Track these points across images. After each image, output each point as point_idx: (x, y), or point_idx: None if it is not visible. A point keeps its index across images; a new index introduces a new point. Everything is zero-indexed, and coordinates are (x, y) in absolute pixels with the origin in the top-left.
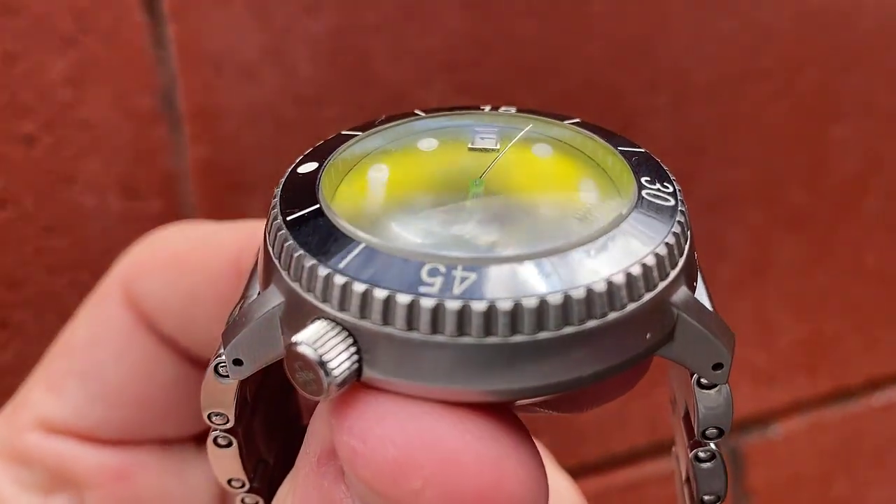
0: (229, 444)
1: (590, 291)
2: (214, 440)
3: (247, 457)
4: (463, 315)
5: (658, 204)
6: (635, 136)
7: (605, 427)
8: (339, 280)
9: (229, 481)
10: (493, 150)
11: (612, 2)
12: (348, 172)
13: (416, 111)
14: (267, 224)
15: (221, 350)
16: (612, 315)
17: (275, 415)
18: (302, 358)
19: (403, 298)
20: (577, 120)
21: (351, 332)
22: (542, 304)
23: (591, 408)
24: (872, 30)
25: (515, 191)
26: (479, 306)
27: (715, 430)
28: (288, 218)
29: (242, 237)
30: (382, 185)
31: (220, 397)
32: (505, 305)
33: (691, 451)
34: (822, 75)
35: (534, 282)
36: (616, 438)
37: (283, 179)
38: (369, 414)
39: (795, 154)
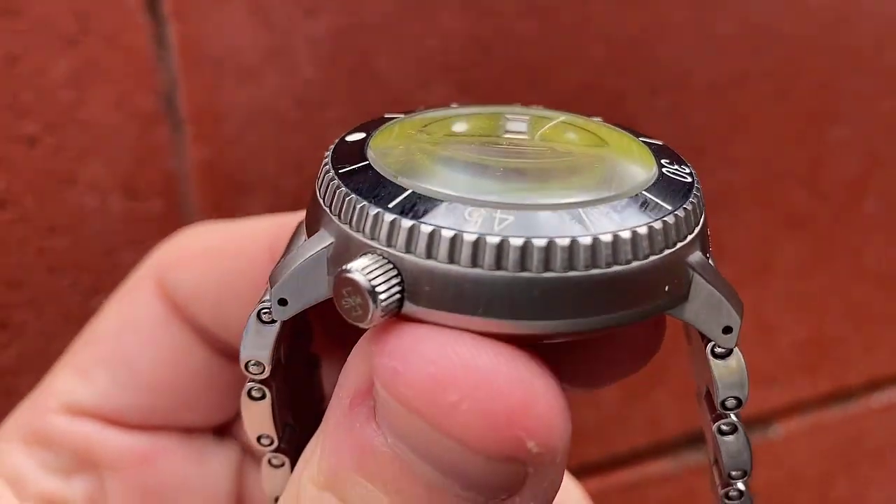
0: (263, 397)
1: (616, 238)
2: (249, 393)
3: (277, 415)
4: (501, 249)
5: (677, 179)
6: None
7: (606, 427)
8: (388, 217)
9: (259, 439)
10: (523, 133)
11: (611, 3)
12: (394, 138)
13: (452, 104)
14: (318, 178)
15: (266, 296)
16: (635, 263)
17: (301, 393)
18: (352, 283)
19: (447, 233)
20: (599, 118)
21: (396, 265)
22: (574, 244)
23: (608, 382)
24: (871, 31)
25: (550, 152)
26: (516, 242)
27: (734, 400)
28: (340, 170)
29: (275, 226)
30: (426, 147)
31: (260, 343)
32: (539, 243)
33: (714, 424)
34: (821, 77)
35: (566, 227)
36: (617, 439)
37: (333, 146)
38: (409, 338)
39: (795, 155)
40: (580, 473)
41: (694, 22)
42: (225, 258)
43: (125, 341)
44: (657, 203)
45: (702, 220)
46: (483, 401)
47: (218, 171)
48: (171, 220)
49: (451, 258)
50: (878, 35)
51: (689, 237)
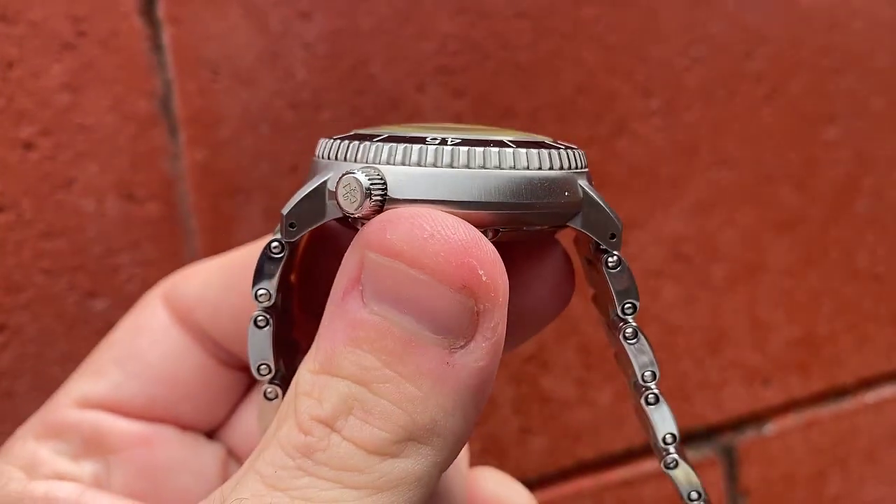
0: (266, 324)
1: (530, 152)
2: (255, 322)
3: (275, 346)
4: (453, 154)
5: (568, 145)
6: (628, 138)
7: (602, 427)
8: (374, 144)
9: (258, 368)
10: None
11: (603, 6)
12: (368, 132)
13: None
14: (316, 153)
15: (276, 233)
16: (543, 171)
17: (295, 352)
18: (352, 180)
19: (416, 146)
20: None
21: (381, 172)
22: (502, 152)
23: (529, 330)
24: (862, 31)
25: (486, 128)
26: (463, 148)
27: (630, 306)
28: (332, 138)
29: None
30: (394, 128)
31: (267, 272)
32: (479, 149)
33: (620, 333)
34: (813, 77)
35: (497, 146)
36: (612, 438)
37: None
38: (390, 212)
39: (787, 155)
40: (576, 472)
41: (685, 24)
42: (224, 273)
43: (134, 342)
44: (558, 145)
45: (587, 173)
46: (448, 234)
47: (214, 174)
48: (168, 223)
49: (419, 162)
50: (868, 36)
51: (581, 170)
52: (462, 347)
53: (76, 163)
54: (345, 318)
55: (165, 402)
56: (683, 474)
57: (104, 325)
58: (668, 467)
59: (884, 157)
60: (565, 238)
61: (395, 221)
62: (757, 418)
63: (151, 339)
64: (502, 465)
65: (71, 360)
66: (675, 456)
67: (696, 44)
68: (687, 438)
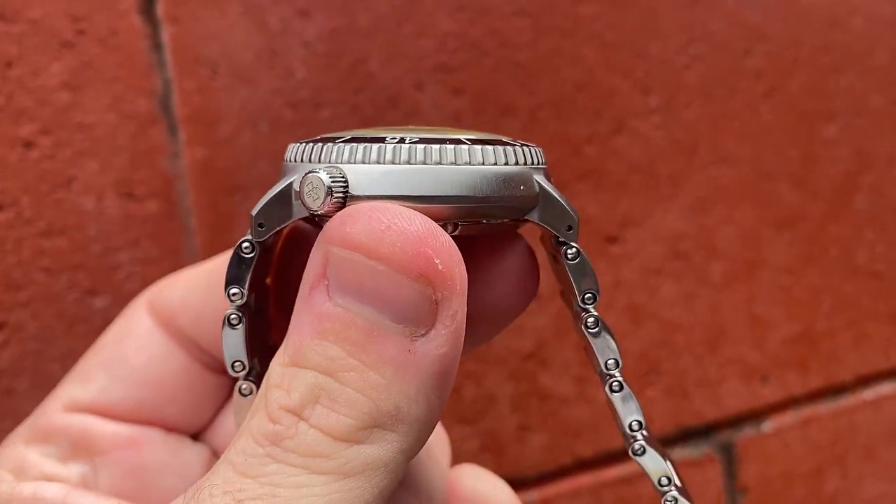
0: (239, 322)
1: (485, 149)
2: (228, 320)
3: (248, 344)
4: (411, 151)
5: (525, 143)
6: (628, 135)
7: (601, 425)
8: (337, 145)
9: (233, 365)
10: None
11: (603, 4)
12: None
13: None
14: (286, 156)
15: (246, 236)
16: (499, 167)
17: (273, 353)
18: (314, 179)
19: (376, 145)
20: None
21: (342, 170)
22: (457, 149)
23: (497, 324)
24: (861, 29)
25: (444, 129)
26: (420, 146)
27: (590, 295)
28: (299, 142)
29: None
30: (358, 132)
31: (239, 272)
32: (435, 146)
33: (582, 323)
34: (812, 75)
35: (454, 144)
36: (611, 435)
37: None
38: (350, 208)
39: (786, 153)
40: (575, 469)
41: (684, 22)
42: (206, 279)
43: (120, 348)
44: (515, 143)
45: (545, 168)
46: (404, 225)
47: (213, 172)
48: (168, 221)
49: (379, 160)
50: (867, 34)
51: (538, 166)
52: (423, 335)
53: (76, 161)
54: (311, 311)
55: (151, 405)
56: (651, 460)
57: (104, 323)
58: (635, 454)
59: (883, 154)
60: (532, 237)
61: (355, 216)
62: (756, 415)
63: (136, 344)
64: (500, 462)
65: (71, 358)
66: (643, 442)
67: (695, 42)
68: (686, 436)
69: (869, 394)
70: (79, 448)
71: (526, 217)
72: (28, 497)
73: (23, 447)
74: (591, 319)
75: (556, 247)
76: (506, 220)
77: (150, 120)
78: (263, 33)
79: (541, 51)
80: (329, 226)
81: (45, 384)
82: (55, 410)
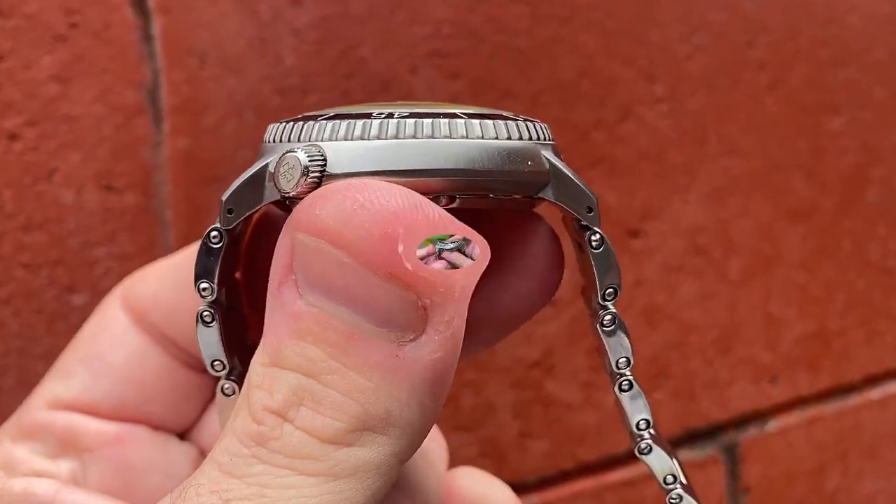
0: (213, 320)
1: (483, 123)
2: (202, 318)
3: (225, 340)
4: (399, 126)
5: (529, 119)
6: (635, 122)
7: (607, 429)
8: (318, 122)
9: (213, 364)
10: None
11: None
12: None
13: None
14: (264, 137)
15: (215, 223)
16: (500, 141)
17: (246, 349)
18: (291, 159)
19: (361, 120)
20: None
21: (322, 149)
22: (452, 122)
23: (519, 317)
24: (860, 23)
25: (438, 104)
26: (410, 120)
27: (611, 290)
28: (281, 121)
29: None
30: (343, 108)
31: (207, 266)
32: (427, 120)
33: (598, 321)
34: (813, 68)
35: (448, 118)
36: (616, 440)
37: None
38: (325, 186)
39: (796, 144)
40: (578, 473)
41: (683, 12)
42: (177, 272)
43: (97, 345)
44: (517, 117)
45: (553, 143)
46: (381, 201)
47: (194, 163)
48: (144, 214)
49: (363, 136)
50: (867, 28)
51: (545, 142)
52: (412, 341)
53: (58, 153)
54: (283, 310)
55: (134, 403)
56: (657, 459)
57: (83, 321)
58: (641, 452)
59: (890, 147)
60: (556, 224)
61: (327, 195)
62: (761, 416)
63: (112, 341)
64: (500, 468)
65: (54, 356)
66: (649, 441)
67: (696, 31)
68: (691, 438)
69: (876, 393)
70: (66, 445)
71: (540, 195)
72: (19, 492)
73: (10, 444)
74: (608, 317)
75: (579, 232)
76: (517, 196)
77: (137, 111)
78: (254, 22)
79: (539, 38)
80: (297, 208)
81: (30, 381)
82: (39, 408)
